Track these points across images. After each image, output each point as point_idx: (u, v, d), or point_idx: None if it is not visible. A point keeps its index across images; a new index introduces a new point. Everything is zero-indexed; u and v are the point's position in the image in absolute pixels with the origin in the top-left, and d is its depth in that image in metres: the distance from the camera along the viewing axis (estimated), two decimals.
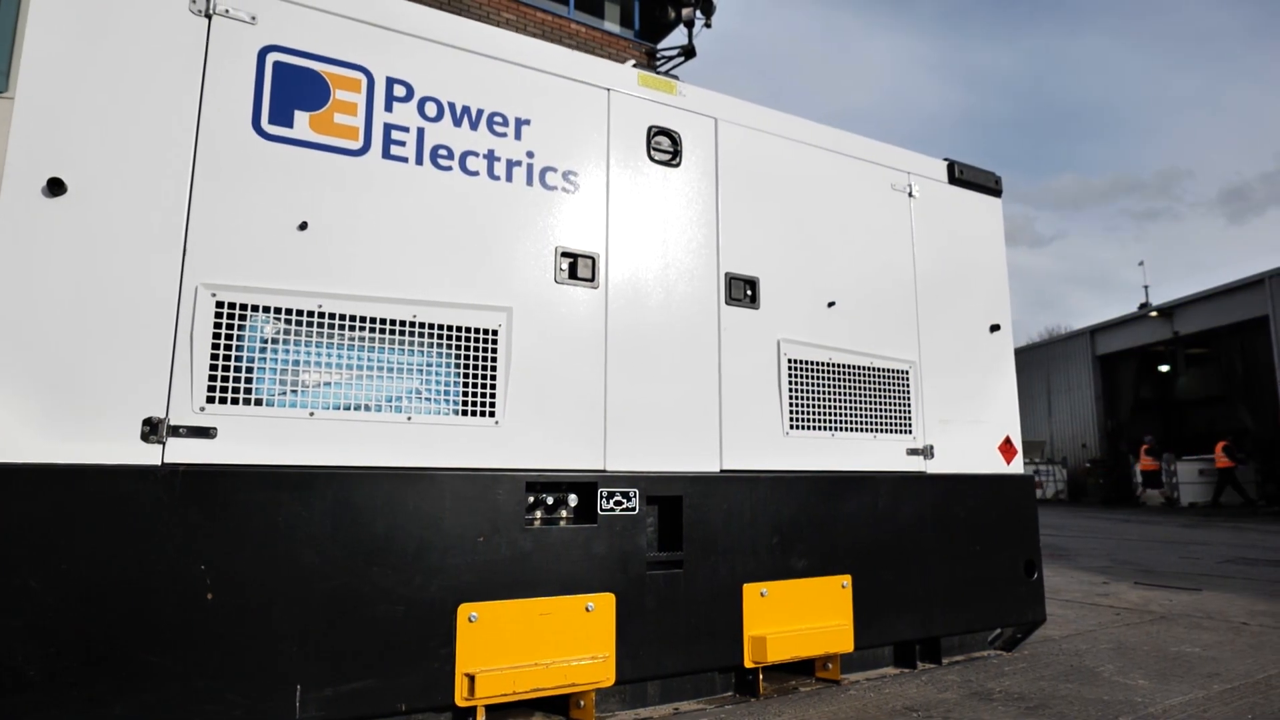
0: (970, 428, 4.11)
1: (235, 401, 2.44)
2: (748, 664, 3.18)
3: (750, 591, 3.23)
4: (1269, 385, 19.64)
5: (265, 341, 2.53)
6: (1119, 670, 3.64)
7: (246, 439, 2.43)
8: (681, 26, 12.41)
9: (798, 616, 3.33)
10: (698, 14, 12.16)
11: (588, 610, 2.87)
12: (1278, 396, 18.99)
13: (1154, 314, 23.45)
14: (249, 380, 2.48)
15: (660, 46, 12.89)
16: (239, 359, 2.47)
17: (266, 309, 2.53)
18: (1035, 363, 28.96)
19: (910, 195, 4.12)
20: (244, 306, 2.49)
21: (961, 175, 4.36)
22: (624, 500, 3.01)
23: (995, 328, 4.32)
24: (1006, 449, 4.26)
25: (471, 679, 2.60)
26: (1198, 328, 22.23)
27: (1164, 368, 25.75)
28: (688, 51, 12.32)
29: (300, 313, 2.57)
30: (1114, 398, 25.92)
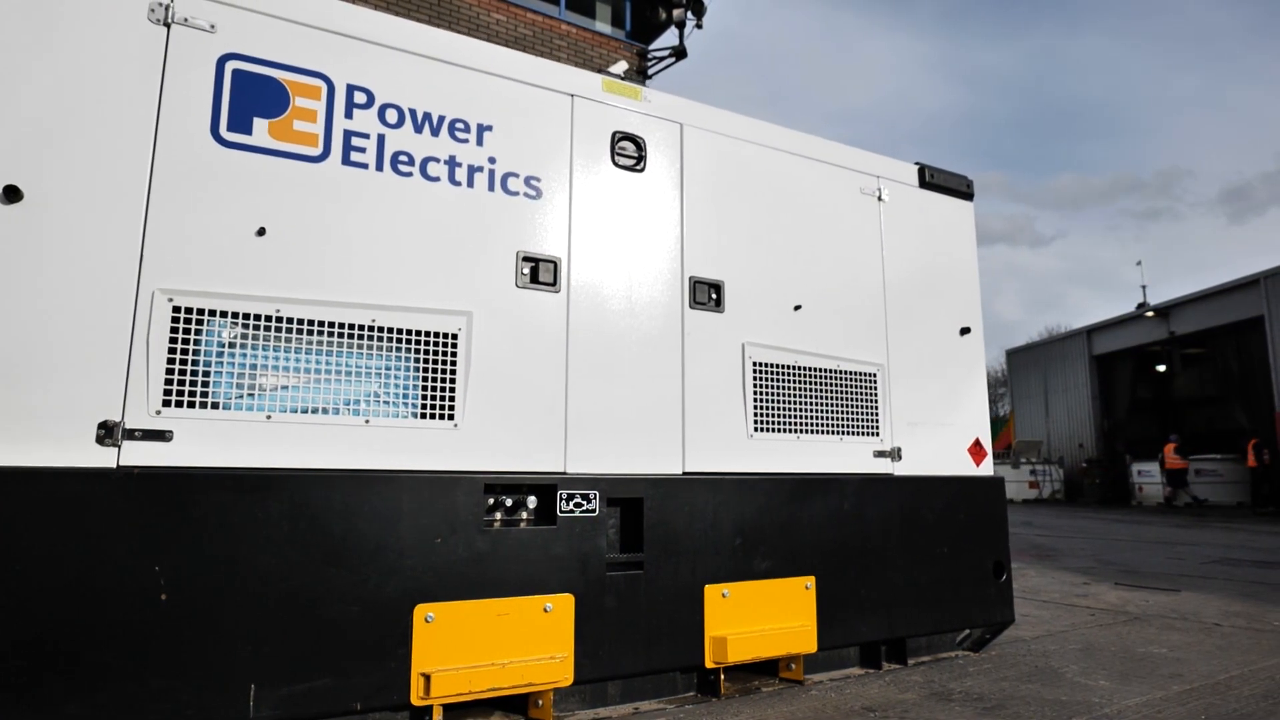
0: (939, 430, 4.14)
1: (192, 405, 2.48)
2: (708, 664, 3.21)
3: (712, 593, 3.26)
4: (1264, 385, 19.65)
5: (223, 346, 2.56)
6: (1082, 671, 3.67)
7: (203, 442, 2.47)
8: (673, 28, 12.45)
9: (760, 617, 3.36)
10: (689, 15, 12.18)
11: (546, 611, 2.90)
12: (1273, 396, 18.98)
13: (1150, 314, 23.45)
14: (206, 384, 2.51)
15: (652, 47, 12.91)
16: (196, 363, 2.50)
17: (224, 314, 2.56)
18: (1032, 363, 28.98)
19: (880, 199, 4.15)
20: (201, 311, 2.52)
21: (932, 179, 4.38)
22: (584, 502, 3.04)
23: (966, 331, 4.35)
24: (976, 451, 4.28)
25: (427, 678, 2.64)
26: (1193, 328, 22.24)
27: (1161, 368, 25.75)
28: (679, 52, 12.34)
29: (258, 317, 2.60)
30: (1111, 398, 25.92)
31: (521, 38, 11.37)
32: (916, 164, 4.38)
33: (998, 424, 39.21)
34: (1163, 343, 23.90)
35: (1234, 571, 7.39)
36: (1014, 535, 11.78)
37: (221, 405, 2.53)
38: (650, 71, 12.56)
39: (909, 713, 3.04)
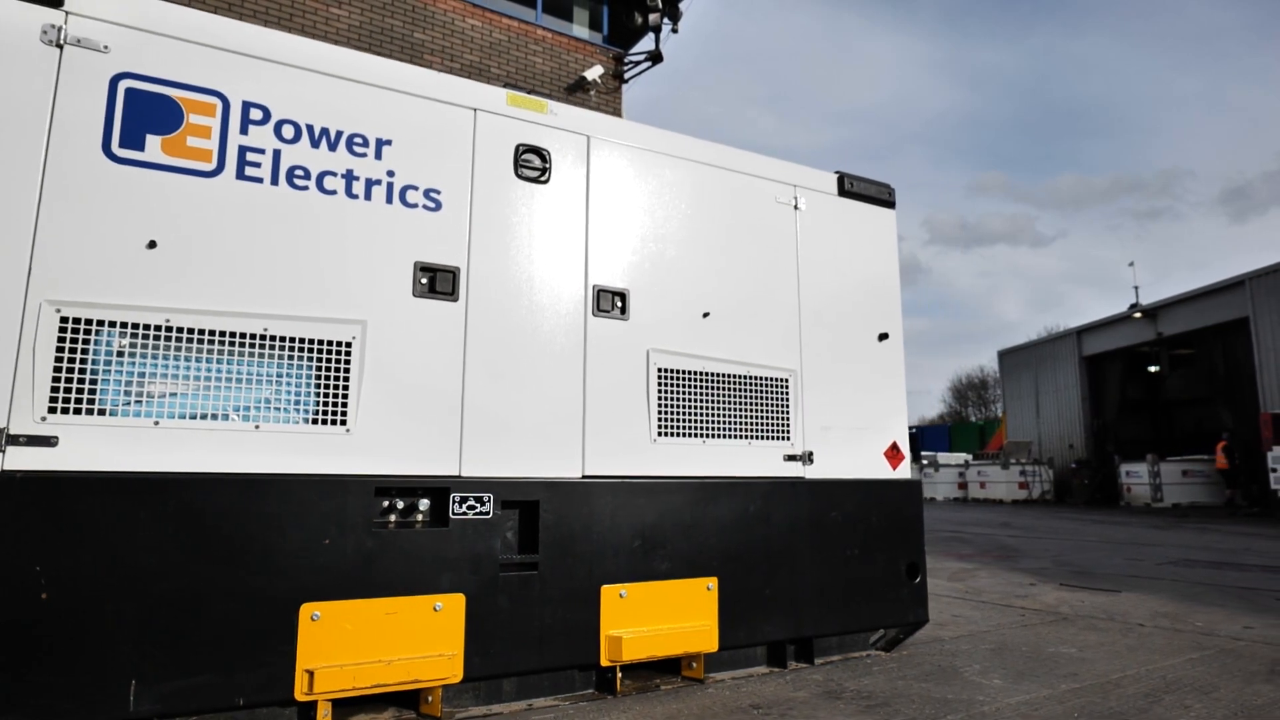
0: (854, 434, 4.23)
1: (78, 411, 2.58)
2: (604, 663, 3.31)
3: (609, 593, 3.36)
4: (1250, 386, 19.67)
5: (111, 354, 2.66)
6: (982, 671, 3.76)
7: (89, 447, 2.57)
8: (650, 33, 12.55)
9: (659, 617, 3.45)
10: (664, 20, 12.28)
11: (436, 610, 3.00)
12: (1259, 397, 19.01)
13: (1138, 315, 23.48)
14: (93, 391, 2.61)
15: (631, 51, 13.01)
16: (84, 371, 2.61)
17: (113, 323, 2.66)
18: (1024, 363, 29.03)
19: (796, 208, 4.24)
20: (89, 321, 2.63)
21: (852, 188, 4.47)
22: (477, 505, 3.14)
23: (884, 336, 4.44)
24: (893, 455, 4.37)
25: (311, 675, 2.74)
26: (1181, 329, 22.28)
27: (1153, 369, 25.78)
28: (655, 57, 12.44)
29: (147, 327, 2.70)
30: (1100, 398, 25.96)
31: (496, 43, 11.48)
32: (836, 173, 4.47)
33: (991, 425, 39.24)
34: (1151, 344, 23.95)
35: (1185, 572, 7.46)
36: (986, 536, 11.87)
37: (109, 412, 2.63)
38: (626, 76, 12.66)
39: (793, 710, 3.14)
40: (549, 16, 12.23)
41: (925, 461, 31.78)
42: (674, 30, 12.46)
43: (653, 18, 12.15)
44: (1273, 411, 18.08)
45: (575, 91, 12.03)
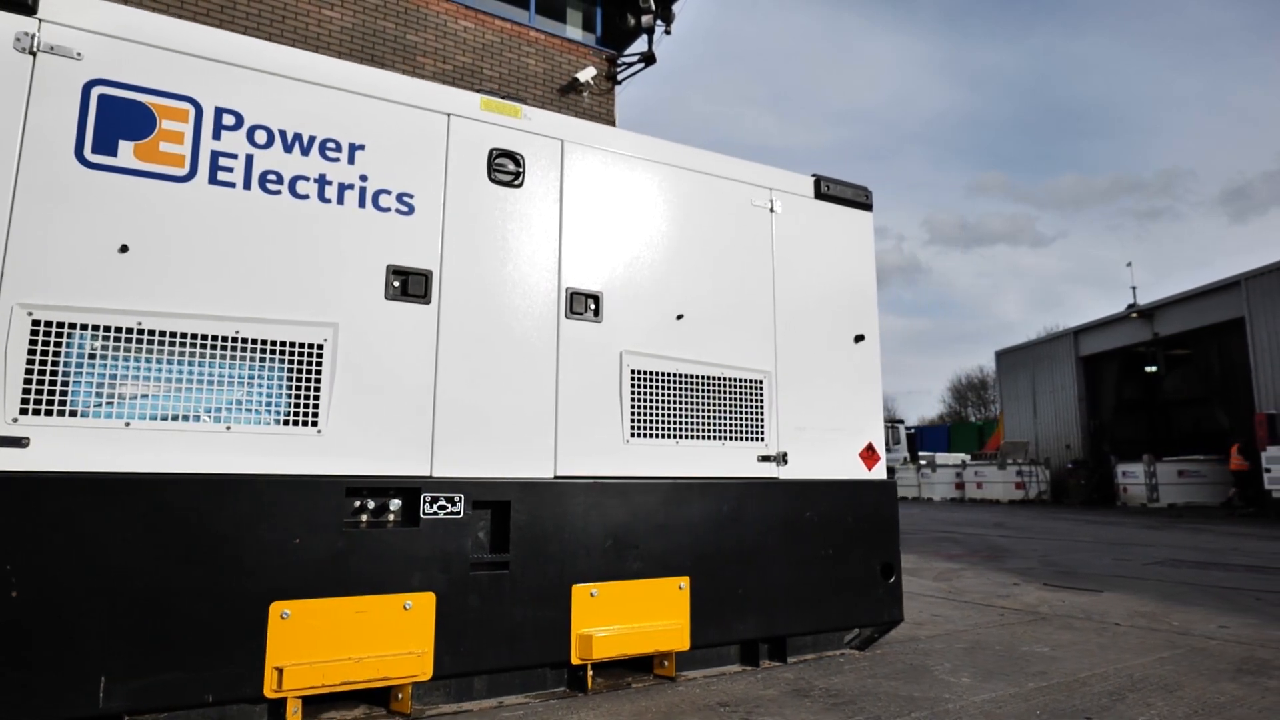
0: (829, 435, 4.27)
1: (50, 413, 2.62)
2: (575, 661, 3.35)
3: (580, 592, 3.40)
4: (1245, 386, 19.68)
5: (84, 357, 2.71)
6: (952, 669, 3.80)
7: (60, 448, 2.61)
8: (644, 34, 12.59)
9: (630, 616, 3.49)
10: (658, 21, 12.32)
11: (405, 608, 3.04)
12: (1254, 398, 19.02)
13: (1135, 315, 23.51)
14: (65, 393, 2.66)
15: (625, 53, 13.05)
16: (55, 373, 2.65)
17: (85, 326, 2.71)
18: (1021, 364, 29.04)
19: (772, 211, 4.28)
20: (62, 324, 2.67)
21: (828, 190, 4.51)
22: (448, 505, 3.18)
23: (860, 338, 4.47)
24: (868, 455, 4.41)
25: (280, 672, 2.78)
26: (1177, 329, 22.30)
27: (1150, 369, 25.80)
28: (648, 58, 12.48)
29: (119, 330, 2.75)
30: (1097, 398, 25.99)
31: (489, 45, 11.52)
32: (813, 175, 4.51)
33: (990, 425, 39.26)
34: (1148, 344, 23.97)
35: (1170, 572, 7.50)
36: (978, 537, 11.90)
37: (80, 413, 2.67)
38: (620, 77, 12.71)
39: (759, 708, 3.18)
40: (542, 18, 12.27)
41: (923, 462, 31.82)
42: (667, 32, 12.50)
43: (645, 19, 12.19)
44: (1268, 412, 18.10)
45: (568, 93, 12.07)
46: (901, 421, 42.55)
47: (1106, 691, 3.40)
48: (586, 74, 12.10)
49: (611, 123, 12.49)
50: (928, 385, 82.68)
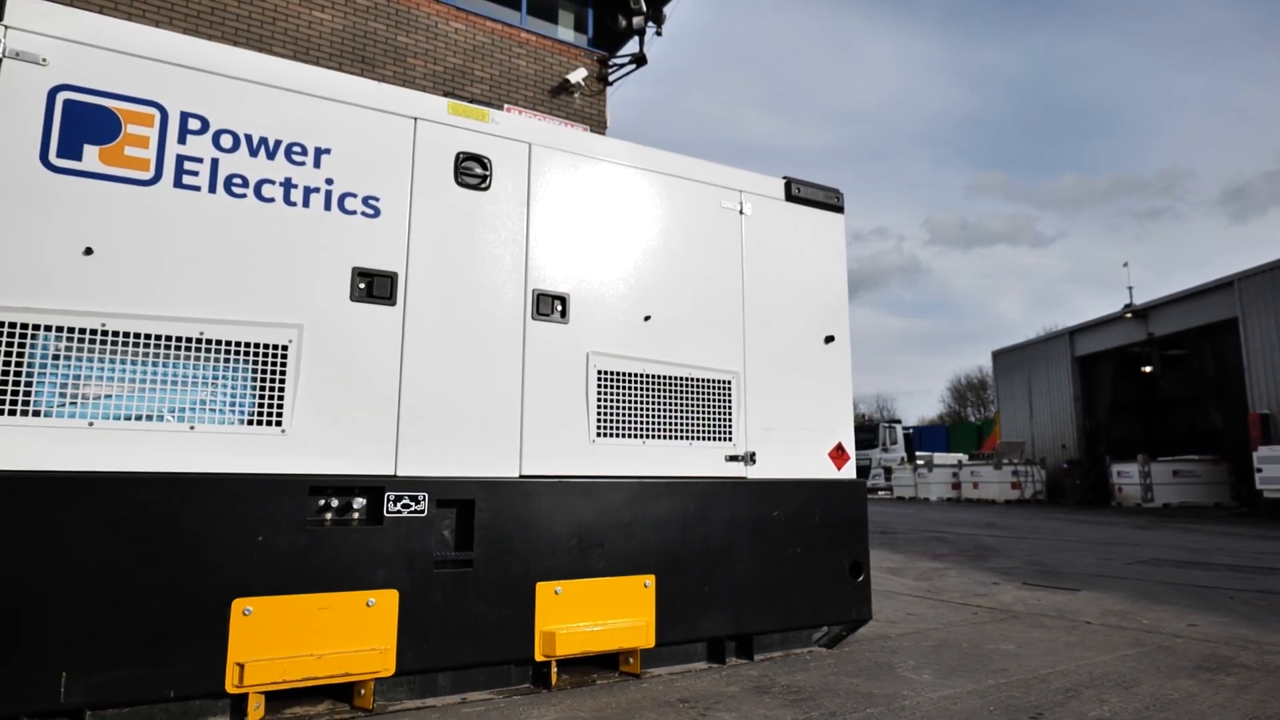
0: (798, 435, 4.31)
1: (14, 413, 2.67)
2: (538, 658, 3.39)
3: (544, 589, 3.45)
4: (1239, 387, 19.71)
5: (47, 358, 2.75)
6: (915, 667, 3.84)
7: (22, 447, 2.66)
8: (635, 35, 12.63)
9: (595, 613, 3.54)
10: (649, 23, 12.37)
11: (368, 605, 3.09)
12: (1248, 398, 19.05)
13: (1129, 315, 23.54)
14: (28, 393, 2.71)
15: (617, 54, 13.09)
16: (19, 373, 2.70)
17: (49, 328, 2.76)
18: (1017, 364, 29.07)
19: (741, 213, 4.32)
20: (25, 326, 2.72)
21: (799, 193, 4.56)
22: (412, 503, 3.23)
23: (830, 339, 4.52)
24: (838, 455, 4.46)
25: (241, 667, 2.83)
26: (1172, 329, 22.33)
27: (1145, 369, 25.82)
28: (639, 60, 12.53)
29: (83, 331, 2.80)
30: (1092, 399, 26.01)
31: (480, 46, 11.57)
32: (784, 178, 4.55)
33: (989, 426, 39.26)
34: (1143, 344, 23.99)
35: (1150, 571, 7.54)
36: (968, 536, 11.94)
37: (44, 413, 2.72)
38: (611, 78, 12.75)
39: (719, 704, 3.22)
40: (533, 19, 12.32)
41: (920, 462, 31.86)
42: (658, 33, 12.55)
43: (636, 20, 12.24)
44: (1260, 412, 18.12)
45: (559, 94, 12.12)
46: (898, 421, 42.55)
47: (1063, 688, 3.44)
48: (577, 75, 12.15)
49: (603, 124, 12.54)
50: (927, 385, 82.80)
